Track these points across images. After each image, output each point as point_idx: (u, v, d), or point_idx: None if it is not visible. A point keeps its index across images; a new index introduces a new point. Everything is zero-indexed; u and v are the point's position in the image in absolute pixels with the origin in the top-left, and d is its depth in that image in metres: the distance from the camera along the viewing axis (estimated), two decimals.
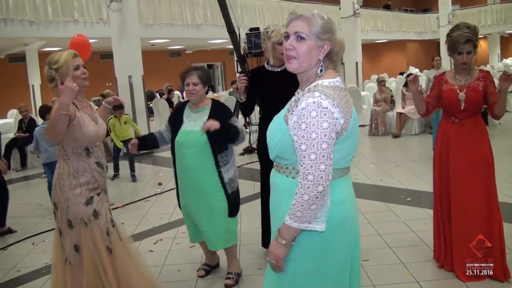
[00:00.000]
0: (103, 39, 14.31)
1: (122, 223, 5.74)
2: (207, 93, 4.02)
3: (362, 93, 13.78)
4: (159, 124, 12.59)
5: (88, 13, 13.27)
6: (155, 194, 7.21)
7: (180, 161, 3.92)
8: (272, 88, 4.16)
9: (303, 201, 1.95)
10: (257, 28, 10.19)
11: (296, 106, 2.05)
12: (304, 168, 1.96)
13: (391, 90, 12.41)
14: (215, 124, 3.66)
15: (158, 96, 16.57)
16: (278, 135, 2.13)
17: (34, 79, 16.05)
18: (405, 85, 11.18)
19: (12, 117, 13.13)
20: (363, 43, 16.96)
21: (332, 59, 2.16)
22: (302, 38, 2.09)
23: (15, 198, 7.12)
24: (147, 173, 8.87)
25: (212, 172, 3.84)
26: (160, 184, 7.87)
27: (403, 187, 6.60)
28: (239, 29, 9.99)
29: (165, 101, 14.43)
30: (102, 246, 3.13)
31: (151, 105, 14.56)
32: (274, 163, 2.25)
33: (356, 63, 16.09)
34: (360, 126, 12.37)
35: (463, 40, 3.64)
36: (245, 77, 4.23)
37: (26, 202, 7.24)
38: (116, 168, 8.55)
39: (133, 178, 8.28)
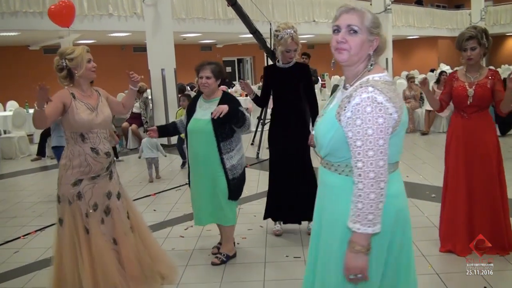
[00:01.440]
0: (136, 33, 14.62)
1: (154, 210, 6.06)
2: (220, 85, 4.34)
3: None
4: None
5: (123, 7, 13.57)
6: (186, 184, 7.42)
7: (190, 146, 4.34)
8: (282, 82, 4.73)
9: (371, 201, 1.93)
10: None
11: (349, 102, 2.02)
12: (363, 165, 1.95)
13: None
14: (224, 108, 4.02)
15: (189, 89, 16.80)
16: (330, 132, 2.09)
17: None
18: (437, 82, 11.21)
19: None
20: (394, 39, 16.92)
21: (378, 55, 2.17)
22: (354, 31, 2.08)
23: (52, 184, 7.38)
24: (177, 164, 9.10)
25: (215, 158, 4.19)
26: None
27: (428, 184, 6.67)
28: (271, 24, 10.15)
29: (195, 94, 14.64)
30: (80, 224, 3.49)
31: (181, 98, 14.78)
32: (323, 161, 2.22)
33: (386, 59, 16.05)
34: None
35: (466, 37, 4.00)
36: (245, 82, 5.06)
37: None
38: (183, 156, 8.72)
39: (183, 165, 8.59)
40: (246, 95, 9.56)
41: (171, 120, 10.77)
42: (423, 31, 24.70)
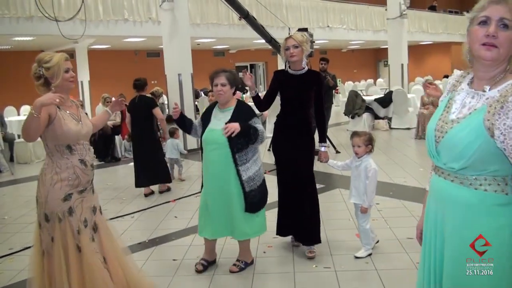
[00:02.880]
0: (151, 38, 14.62)
1: (175, 217, 5.96)
2: (234, 93, 4.22)
3: (408, 96, 13.63)
4: None
5: (138, 12, 13.54)
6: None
7: (205, 156, 4.21)
8: (292, 89, 4.44)
9: None
10: (305, 29, 10.24)
11: (502, 108, 1.83)
12: None
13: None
14: (236, 128, 3.90)
15: (203, 94, 16.76)
16: (477, 142, 1.87)
17: (83, 75, 16.46)
18: None
19: None
20: (407, 44, 16.76)
21: None
22: (505, 26, 1.86)
23: None
24: (195, 170, 9.01)
25: (231, 169, 4.05)
26: None
27: None
28: (289, 29, 10.06)
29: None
30: (71, 243, 3.23)
31: (196, 103, 14.75)
32: (450, 174, 1.99)
33: (402, 65, 15.92)
34: (405, 129, 12.39)
35: None
36: (250, 74, 4.52)
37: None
38: None
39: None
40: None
41: None
42: (436, 37, 24.55)
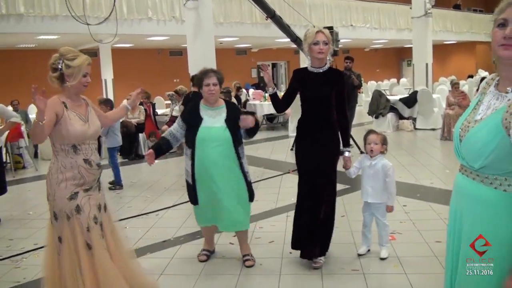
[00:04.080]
0: (174, 37, 14.67)
1: None
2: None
3: (434, 96, 13.45)
4: None
5: (162, 11, 13.61)
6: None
7: (202, 155, 4.18)
8: (314, 89, 4.19)
9: None
10: (331, 27, 10.13)
11: None
12: None
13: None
14: (253, 121, 4.22)
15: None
16: (494, 142, 1.90)
17: (107, 73, 16.60)
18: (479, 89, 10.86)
19: None
20: (432, 44, 16.54)
21: None
22: None
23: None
24: None
25: (234, 163, 4.23)
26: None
27: None
28: (314, 27, 9.97)
29: (234, 98, 14.58)
30: (81, 240, 3.23)
31: None
32: (472, 172, 2.04)
33: (426, 64, 15.70)
34: (430, 129, 12.22)
35: None
36: (268, 66, 4.38)
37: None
38: None
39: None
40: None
41: None
42: (461, 36, 24.24)
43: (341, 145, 4.30)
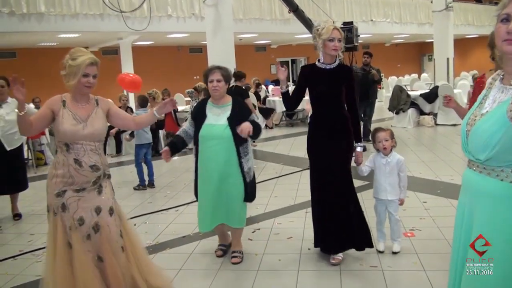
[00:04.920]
0: (193, 34, 14.73)
1: None
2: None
3: (455, 91, 13.28)
4: None
5: (181, 8, 13.67)
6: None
7: (204, 152, 4.23)
8: (323, 85, 4.16)
9: None
10: (351, 23, 10.08)
11: None
12: None
13: None
14: (250, 128, 4.08)
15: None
16: (499, 133, 1.92)
17: (127, 71, 16.68)
18: None
19: None
20: (453, 38, 16.33)
21: None
22: None
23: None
24: None
25: (234, 162, 4.21)
26: None
27: None
28: (334, 23, 9.93)
29: (253, 94, 14.59)
30: (61, 238, 3.27)
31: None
32: (480, 166, 2.04)
33: (448, 59, 15.51)
34: (451, 125, 12.07)
35: None
36: (284, 67, 4.28)
37: (121, 186, 7.55)
38: None
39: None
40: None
41: None
42: (482, 30, 23.81)
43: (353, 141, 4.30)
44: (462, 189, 2.18)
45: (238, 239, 4.54)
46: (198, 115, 4.33)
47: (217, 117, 4.24)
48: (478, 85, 3.99)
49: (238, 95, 7.89)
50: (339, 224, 4.24)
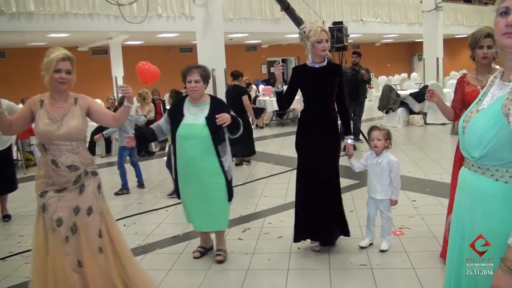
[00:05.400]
0: (184, 34, 14.70)
1: None
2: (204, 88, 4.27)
3: (444, 90, 13.35)
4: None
5: (171, 8, 13.64)
6: (239, 185, 7.33)
7: (182, 152, 4.21)
8: (314, 84, 4.30)
9: None
10: (341, 22, 10.12)
11: None
12: None
13: None
14: (228, 119, 4.04)
15: None
16: (493, 130, 1.85)
17: (117, 71, 16.68)
18: None
19: None
20: (442, 37, 16.41)
21: None
22: None
23: (106, 183, 7.39)
24: None
25: (214, 161, 4.18)
26: None
27: None
28: (323, 22, 9.94)
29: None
30: (41, 240, 3.25)
31: None
32: (475, 164, 1.97)
33: (437, 58, 15.60)
34: (441, 124, 12.13)
35: (484, 34, 3.77)
36: (282, 65, 4.37)
37: (111, 187, 7.52)
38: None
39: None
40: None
41: None
42: (472, 30, 23.63)
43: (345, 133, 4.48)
44: (458, 188, 2.12)
45: (221, 238, 4.54)
46: (175, 114, 4.30)
47: (195, 116, 4.21)
48: (460, 84, 4.04)
49: (237, 93, 8.86)
50: (333, 219, 4.42)
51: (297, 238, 4.54)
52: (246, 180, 7.65)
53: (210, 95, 4.40)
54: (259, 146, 10.87)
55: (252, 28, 15.53)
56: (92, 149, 10.56)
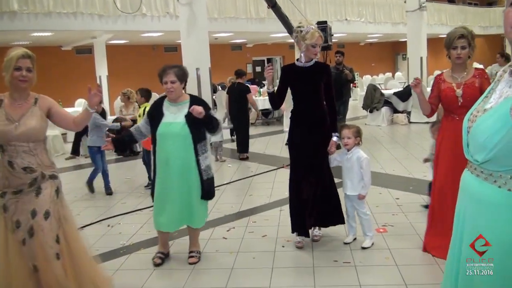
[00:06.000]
0: (168, 33, 14.63)
1: None
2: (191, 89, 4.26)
3: (428, 89, 13.44)
4: (222, 116, 12.71)
5: (156, 7, 13.58)
6: (224, 184, 7.33)
7: (162, 150, 4.21)
8: (301, 83, 4.45)
9: None
10: (325, 22, 10.18)
11: None
12: None
13: None
14: (202, 110, 4.06)
15: (220, 88, 16.73)
16: (501, 133, 1.70)
17: (102, 70, 16.54)
18: None
19: (80, 106, 13.64)
20: (426, 37, 16.55)
21: None
22: None
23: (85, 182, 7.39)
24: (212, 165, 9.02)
25: (191, 159, 4.19)
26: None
27: None
28: (309, 25, 9.99)
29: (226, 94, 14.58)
30: (3, 240, 3.20)
31: (214, 97, 14.74)
32: (478, 169, 1.86)
33: (421, 58, 15.73)
34: (425, 123, 12.20)
35: (458, 35, 3.94)
36: (271, 67, 4.49)
37: (97, 186, 7.47)
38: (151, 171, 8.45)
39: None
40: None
41: None
42: None
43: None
44: (460, 191, 2.02)
45: (195, 239, 4.54)
46: (155, 114, 4.30)
47: (175, 115, 4.23)
48: (436, 82, 4.22)
49: (240, 91, 9.38)
50: (331, 205, 4.62)
51: (294, 228, 4.66)
52: (231, 179, 7.65)
53: (190, 94, 4.40)
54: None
55: (237, 28, 15.54)
56: (76, 149, 10.50)
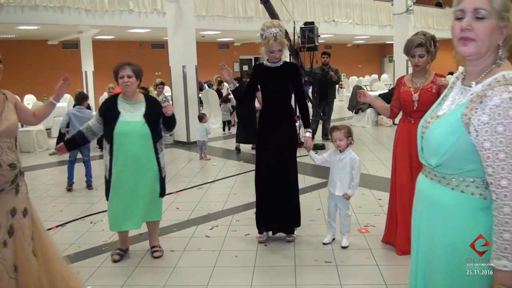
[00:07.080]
0: (155, 29, 14.59)
1: (177, 208, 5.96)
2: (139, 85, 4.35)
3: None
4: (209, 114, 12.72)
5: (143, 3, 13.53)
6: (208, 182, 7.34)
7: (120, 149, 4.19)
8: (269, 81, 4.55)
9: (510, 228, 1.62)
10: (312, 23, 10.21)
11: (481, 103, 1.70)
12: (509, 184, 1.63)
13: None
14: (172, 108, 4.25)
15: (206, 86, 16.73)
16: (452, 138, 1.77)
17: (88, 65, 16.44)
18: None
19: (66, 101, 13.54)
20: None
21: (507, 46, 1.79)
22: (481, 17, 1.74)
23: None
24: (196, 162, 9.02)
25: (151, 158, 4.26)
26: None
27: None
28: (294, 23, 10.02)
29: (215, 92, 14.60)
30: None
31: (200, 95, 14.73)
32: (431, 172, 1.92)
33: (407, 60, 15.78)
34: None
35: (415, 44, 4.01)
36: (227, 68, 4.63)
37: (80, 182, 7.44)
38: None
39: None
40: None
41: (191, 117, 10.70)
42: (442, 33, 24.35)
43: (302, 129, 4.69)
44: (415, 194, 2.07)
45: (155, 234, 4.60)
46: (110, 112, 4.25)
47: (132, 114, 4.22)
48: (398, 85, 4.35)
49: None
50: (292, 208, 4.67)
51: (259, 229, 4.78)
52: (215, 178, 7.66)
53: (143, 93, 4.41)
54: (229, 145, 10.89)
55: (224, 26, 15.54)
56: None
